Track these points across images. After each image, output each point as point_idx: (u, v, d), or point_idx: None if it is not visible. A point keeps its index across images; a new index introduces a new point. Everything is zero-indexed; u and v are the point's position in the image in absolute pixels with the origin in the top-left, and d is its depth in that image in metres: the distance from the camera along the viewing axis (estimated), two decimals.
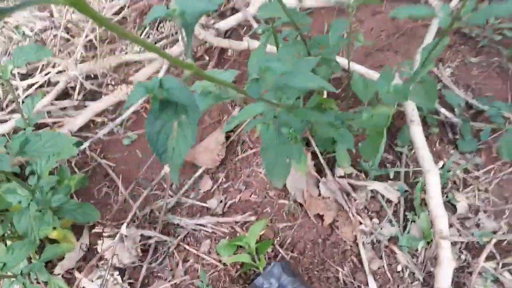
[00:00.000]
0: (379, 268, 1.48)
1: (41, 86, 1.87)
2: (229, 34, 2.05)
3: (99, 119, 1.84)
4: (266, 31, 1.33)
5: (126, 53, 1.84)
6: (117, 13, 2.04)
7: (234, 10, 2.08)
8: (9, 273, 1.31)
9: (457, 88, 1.81)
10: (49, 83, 1.85)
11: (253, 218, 1.55)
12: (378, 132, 1.50)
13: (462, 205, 1.59)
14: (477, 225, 1.56)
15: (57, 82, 1.70)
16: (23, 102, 1.69)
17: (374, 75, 1.74)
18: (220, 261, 1.47)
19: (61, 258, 1.58)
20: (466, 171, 1.68)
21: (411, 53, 1.90)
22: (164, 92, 0.62)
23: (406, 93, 1.24)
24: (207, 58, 1.98)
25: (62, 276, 1.56)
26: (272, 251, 1.49)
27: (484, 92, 1.80)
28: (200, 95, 0.95)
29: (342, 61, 1.75)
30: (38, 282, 1.54)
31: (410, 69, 1.36)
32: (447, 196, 1.62)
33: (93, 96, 1.91)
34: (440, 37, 1.16)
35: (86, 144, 1.71)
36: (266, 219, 1.52)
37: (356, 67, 1.77)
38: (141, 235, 1.54)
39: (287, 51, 1.36)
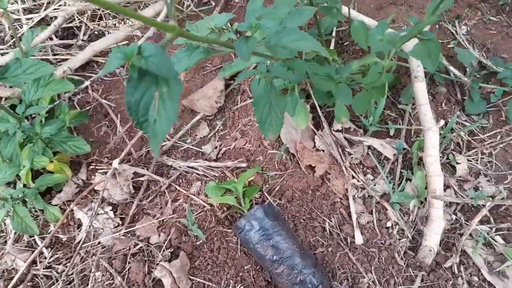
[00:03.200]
0: (367, 222, 1.47)
1: (47, 24, 1.88)
2: None
3: (102, 60, 1.85)
4: None
5: None
6: None
7: None
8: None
9: (472, 47, 1.71)
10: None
11: (244, 164, 1.54)
12: (376, 87, 1.43)
13: (462, 167, 1.53)
14: (476, 189, 1.51)
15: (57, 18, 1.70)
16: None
17: None
18: (208, 203, 1.48)
19: (60, 191, 1.64)
20: (471, 133, 1.62)
21: (425, 9, 1.79)
22: (142, 61, 0.57)
23: (394, 40, 1.10)
24: (213, 3, 1.93)
25: (60, 207, 1.61)
26: (260, 197, 1.49)
27: (499, 53, 1.70)
28: (186, 50, 0.89)
29: (347, 11, 1.67)
30: (35, 211, 1.61)
31: (414, 24, 1.25)
32: (447, 158, 1.57)
33: (99, 37, 1.90)
34: None
35: (87, 83, 1.72)
36: (259, 167, 1.51)
37: (364, 19, 1.69)
38: (134, 173, 1.57)
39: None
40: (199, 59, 0.90)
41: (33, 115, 1.64)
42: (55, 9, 1.77)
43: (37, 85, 1.22)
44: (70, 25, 1.92)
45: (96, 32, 1.91)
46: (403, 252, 1.41)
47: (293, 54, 1.08)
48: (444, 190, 1.47)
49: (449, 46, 1.74)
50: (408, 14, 1.79)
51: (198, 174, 1.56)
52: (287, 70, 1.20)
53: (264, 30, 0.85)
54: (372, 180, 1.54)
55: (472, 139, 1.60)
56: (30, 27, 1.80)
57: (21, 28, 1.82)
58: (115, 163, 1.47)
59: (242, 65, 1.25)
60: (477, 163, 1.55)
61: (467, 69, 1.64)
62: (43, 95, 1.26)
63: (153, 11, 1.75)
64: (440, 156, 1.50)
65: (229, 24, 1.04)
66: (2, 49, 1.73)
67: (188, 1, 1.89)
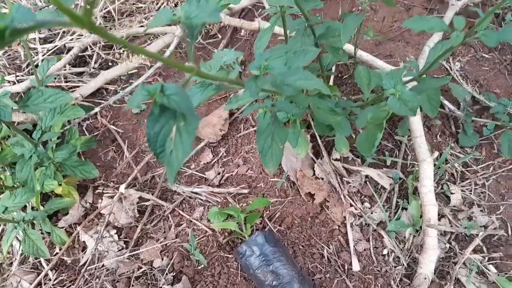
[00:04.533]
0: (364, 250, 1.51)
1: (61, 52, 1.98)
2: (244, 14, 2.09)
3: (111, 87, 1.93)
4: (274, 14, 1.35)
5: (142, 26, 1.92)
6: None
7: None
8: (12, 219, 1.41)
9: (465, 82, 1.79)
10: (68, 50, 1.95)
11: (246, 191, 1.60)
12: (377, 124, 1.50)
13: (456, 197, 1.59)
14: (469, 218, 1.56)
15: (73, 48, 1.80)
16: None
17: (380, 63, 1.75)
18: (210, 228, 1.53)
19: (66, 214, 1.69)
20: (465, 165, 1.68)
21: (421, 45, 1.89)
22: (164, 98, 0.64)
23: (415, 107, 1.10)
24: (219, 36, 2.03)
25: (65, 230, 1.65)
26: (261, 223, 1.54)
27: (492, 89, 1.78)
28: (200, 86, 0.97)
29: (349, 47, 1.76)
30: (42, 233, 1.65)
31: (414, 69, 1.30)
32: (442, 188, 1.62)
33: (109, 66, 2.00)
34: (448, 48, 1.13)
35: (97, 109, 1.80)
36: (268, 201, 1.55)
37: (363, 55, 1.78)
38: (139, 197, 1.63)
39: (295, 43, 1.36)
40: (211, 95, 0.98)
41: (43, 140, 1.71)
42: (71, 39, 1.87)
43: (54, 112, 1.30)
44: (83, 54, 2.01)
45: (110, 62, 2.00)
46: (398, 279, 1.45)
47: (297, 92, 1.15)
48: (439, 219, 1.52)
49: None
50: (405, 50, 1.88)
51: (201, 200, 1.62)
52: (290, 103, 1.29)
53: (271, 70, 0.93)
54: (369, 208, 1.60)
55: (466, 170, 1.66)
56: (45, 55, 1.89)
57: (36, 55, 1.91)
58: (122, 188, 1.53)
59: (247, 98, 1.33)
60: (471, 193, 1.61)
61: (461, 104, 1.72)
62: (58, 121, 1.33)
63: (163, 43, 1.85)
64: (435, 186, 1.56)
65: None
66: (18, 76, 1.81)
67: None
